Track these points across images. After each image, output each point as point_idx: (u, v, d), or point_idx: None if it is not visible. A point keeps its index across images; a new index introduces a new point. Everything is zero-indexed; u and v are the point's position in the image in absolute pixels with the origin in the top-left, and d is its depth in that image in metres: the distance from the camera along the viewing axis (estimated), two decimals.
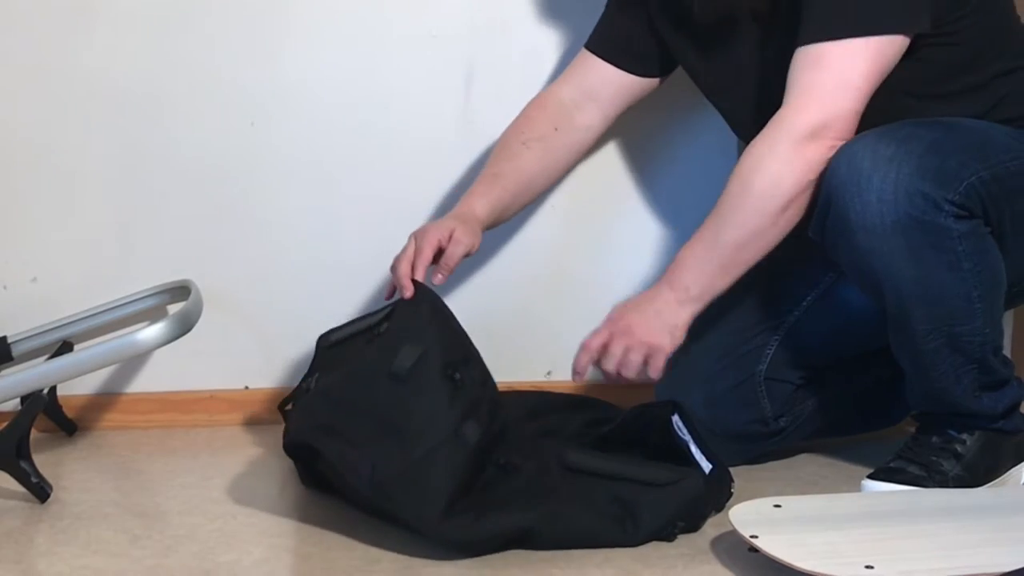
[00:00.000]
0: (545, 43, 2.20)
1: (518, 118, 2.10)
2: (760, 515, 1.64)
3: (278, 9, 2.18)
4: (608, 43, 2.07)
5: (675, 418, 1.82)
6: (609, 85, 2.08)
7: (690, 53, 2.00)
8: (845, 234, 1.75)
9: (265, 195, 2.21)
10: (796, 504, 1.70)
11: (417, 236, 1.92)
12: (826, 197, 1.77)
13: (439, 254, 1.91)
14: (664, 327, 1.84)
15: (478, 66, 2.20)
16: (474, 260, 2.22)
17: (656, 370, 1.84)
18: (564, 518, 1.69)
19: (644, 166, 2.27)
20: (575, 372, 1.87)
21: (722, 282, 1.84)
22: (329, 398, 1.78)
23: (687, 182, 2.24)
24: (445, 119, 2.21)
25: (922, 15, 1.79)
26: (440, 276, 1.91)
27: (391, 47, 2.20)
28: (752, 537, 1.57)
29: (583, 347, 1.87)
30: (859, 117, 1.79)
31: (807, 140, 1.77)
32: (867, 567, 1.50)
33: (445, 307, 1.85)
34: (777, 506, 1.68)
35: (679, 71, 2.08)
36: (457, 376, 1.73)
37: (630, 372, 1.85)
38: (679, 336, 1.85)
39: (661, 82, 2.09)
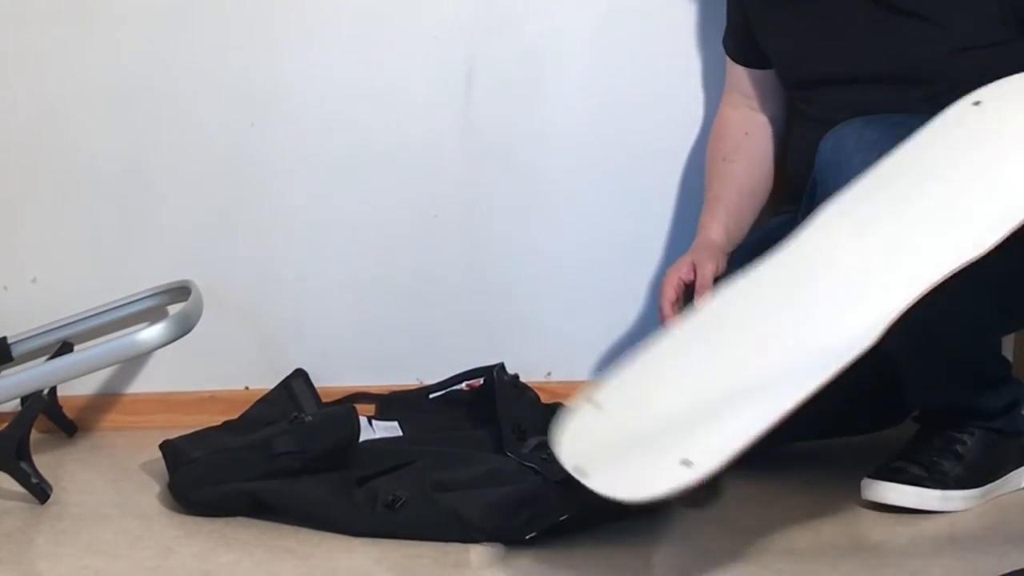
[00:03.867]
0: (545, 43, 2.19)
1: (710, 140, 2.13)
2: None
3: (278, 9, 2.18)
4: (737, 47, 2.09)
5: None
6: (758, 85, 2.09)
7: (794, 26, 1.98)
8: None
9: (265, 195, 2.21)
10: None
11: (663, 283, 1.96)
12: (813, 177, 1.77)
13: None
14: None
15: (478, 66, 2.20)
16: (474, 261, 2.23)
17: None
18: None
19: (647, 166, 2.26)
20: None
21: None
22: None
23: (690, 183, 2.23)
24: (445, 119, 2.21)
25: None
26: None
27: (391, 47, 2.19)
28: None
29: None
30: None
31: None
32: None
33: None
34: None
35: None
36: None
37: None
38: None
39: None
